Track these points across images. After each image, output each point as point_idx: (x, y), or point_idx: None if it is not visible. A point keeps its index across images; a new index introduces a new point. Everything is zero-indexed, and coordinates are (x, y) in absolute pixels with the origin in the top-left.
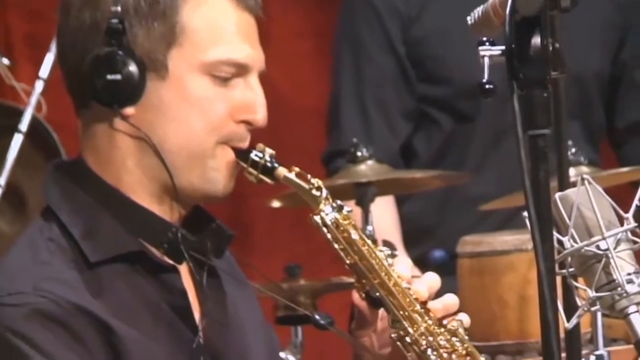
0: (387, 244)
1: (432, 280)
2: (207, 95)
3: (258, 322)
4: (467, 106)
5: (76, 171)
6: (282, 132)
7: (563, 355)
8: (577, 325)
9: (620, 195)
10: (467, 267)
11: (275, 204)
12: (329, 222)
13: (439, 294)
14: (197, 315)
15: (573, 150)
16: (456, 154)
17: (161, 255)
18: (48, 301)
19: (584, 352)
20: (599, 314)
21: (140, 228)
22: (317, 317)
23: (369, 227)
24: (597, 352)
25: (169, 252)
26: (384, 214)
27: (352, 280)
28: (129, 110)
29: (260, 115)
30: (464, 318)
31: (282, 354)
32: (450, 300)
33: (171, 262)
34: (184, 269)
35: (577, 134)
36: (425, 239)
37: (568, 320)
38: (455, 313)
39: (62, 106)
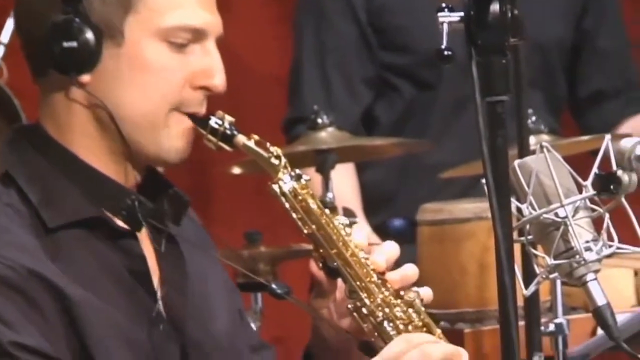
0: (347, 211)
1: (390, 250)
2: (163, 61)
3: (222, 288)
4: (429, 74)
5: (35, 137)
6: (243, 99)
7: (522, 323)
8: (536, 294)
9: (579, 164)
10: (427, 235)
11: (236, 170)
12: (287, 191)
13: (398, 263)
14: (156, 281)
15: (533, 118)
16: (417, 122)
17: (120, 222)
18: (4, 267)
19: (543, 320)
20: (558, 283)
21: (99, 194)
22: (274, 286)
23: (329, 194)
24: (556, 321)
25: (127, 219)
26: (344, 182)
27: (312, 247)
28: (86, 78)
29: (218, 80)
30: (426, 293)
31: None
32: (409, 271)
33: (130, 228)
34: (143, 235)
35: (538, 102)
36: (385, 207)
37: (526, 288)
38: (415, 284)
39: (24, 71)
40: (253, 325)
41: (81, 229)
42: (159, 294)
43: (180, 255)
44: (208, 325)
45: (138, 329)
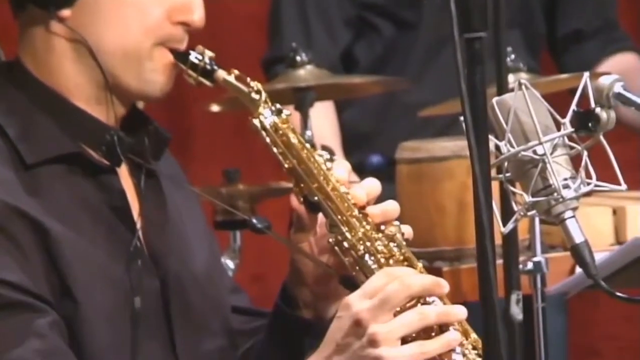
0: (326, 149)
1: (371, 185)
2: None
3: (200, 226)
4: (409, 14)
5: (14, 72)
6: (223, 38)
7: (500, 261)
8: (515, 232)
9: (558, 102)
10: (405, 173)
11: (215, 108)
12: (267, 126)
13: (378, 201)
14: (136, 216)
15: (512, 56)
16: (397, 61)
17: (99, 157)
18: None
19: (521, 258)
20: (536, 221)
21: (78, 130)
22: (254, 221)
23: (308, 132)
24: (534, 259)
25: (106, 154)
26: (323, 120)
27: (291, 185)
28: (65, 12)
29: (196, 15)
30: (406, 230)
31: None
32: (390, 206)
33: (109, 163)
34: (123, 171)
35: (517, 41)
36: (364, 146)
37: (504, 226)
38: (395, 220)
39: (2, 7)
40: (232, 264)
41: (60, 164)
42: (139, 227)
43: (160, 191)
44: (187, 262)
45: (117, 264)
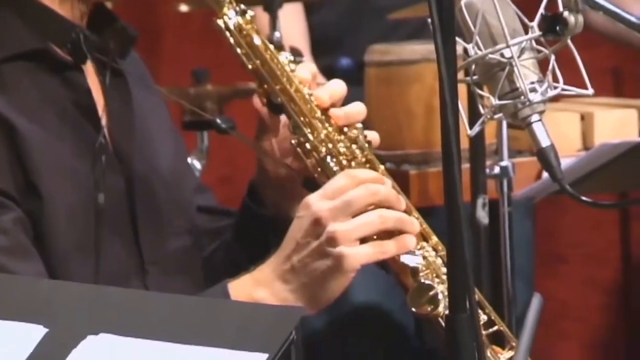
0: (294, 51)
1: (335, 87)
2: None
3: (166, 125)
4: None
5: None
6: None
7: (467, 166)
8: (482, 136)
9: (526, 6)
10: (374, 77)
11: (183, 8)
12: (231, 26)
13: (346, 104)
14: (101, 114)
15: None
16: None
17: (65, 55)
18: None
19: (488, 163)
20: (504, 125)
21: (44, 27)
22: (218, 121)
23: (277, 34)
24: (501, 163)
25: (72, 52)
26: (292, 22)
27: (256, 84)
28: None
29: None
30: (372, 136)
31: (187, 159)
32: (354, 109)
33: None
34: (89, 69)
35: None
36: (333, 49)
37: (471, 129)
38: (364, 124)
39: None
40: (199, 164)
41: (26, 61)
42: (103, 123)
43: (126, 90)
44: (154, 161)
45: (82, 161)
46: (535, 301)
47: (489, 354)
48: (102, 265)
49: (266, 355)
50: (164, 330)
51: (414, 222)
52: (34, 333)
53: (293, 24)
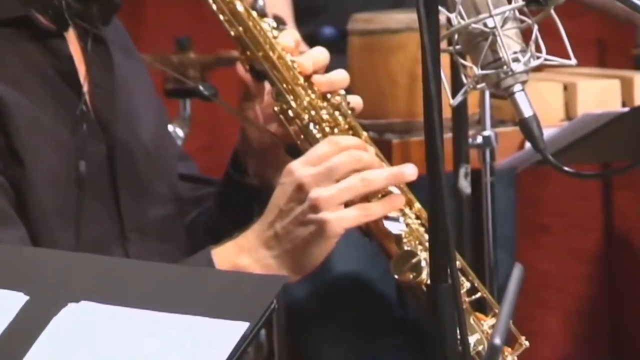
0: (277, 19)
1: (318, 54)
2: None
3: (148, 93)
4: None
5: None
6: None
7: (450, 135)
8: (464, 106)
9: None
10: (357, 45)
11: None
12: None
13: (328, 71)
14: (83, 82)
15: None
16: None
17: (47, 22)
18: None
19: (471, 132)
20: (487, 95)
21: None
22: (201, 88)
23: (260, 2)
24: (484, 133)
25: (54, 19)
26: None
27: (239, 51)
28: None
29: None
30: (356, 101)
31: (170, 127)
32: (336, 76)
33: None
34: (71, 37)
35: None
36: (316, 16)
37: (453, 98)
38: (346, 91)
39: None
40: (181, 132)
41: (8, 28)
42: (85, 93)
43: (108, 57)
44: (135, 129)
45: (63, 128)
46: (516, 271)
47: (471, 321)
48: (83, 231)
49: (247, 324)
50: (146, 298)
51: (405, 174)
52: (15, 300)
53: None
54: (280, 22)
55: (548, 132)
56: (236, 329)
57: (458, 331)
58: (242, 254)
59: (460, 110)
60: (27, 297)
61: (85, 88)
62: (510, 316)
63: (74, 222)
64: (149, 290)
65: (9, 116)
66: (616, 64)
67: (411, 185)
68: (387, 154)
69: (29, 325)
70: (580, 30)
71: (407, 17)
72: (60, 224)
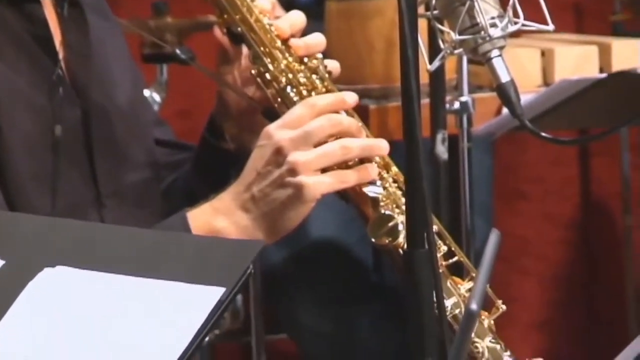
0: None
1: (295, 18)
2: None
3: (124, 58)
4: None
5: None
6: None
7: (427, 101)
8: (442, 72)
9: None
10: (334, 11)
11: None
12: None
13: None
14: (59, 46)
15: None
16: None
17: None
18: None
19: (448, 98)
20: (464, 60)
21: None
22: (178, 52)
23: None
24: (461, 99)
25: None
26: None
27: (216, 14)
28: None
29: None
30: (333, 65)
31: (146, 92)
32: (314, 39)
33: None
34: (46, 2)
35: None
36: None
37: (431, 64)
38: (324, 55)
39: None
40: (158, 97)
41: None
42: (60, 57)
43: (84, 21)
44: (111, 93)
45: (39, 93)
46: (493, 237)
47: (448, 285)
48: (58, 197)
49: (223, 289)
50: (122, 263)
51: (380, 146)
52: None
53: None
54: None
55: (525, 98)
56: (212, 294)
57: (435, 295)
58: (218, 215)
59: (437, 76)
60: (2, 262)
61: (60, 53)
62: (487, 281)
63: (50, 187)
64: (125, 255)
65: None
66: (593, 29)
67: (389, 151)
68: (365, 119)
69: (4, 289)
70: None
71: None
72: (36, 189)
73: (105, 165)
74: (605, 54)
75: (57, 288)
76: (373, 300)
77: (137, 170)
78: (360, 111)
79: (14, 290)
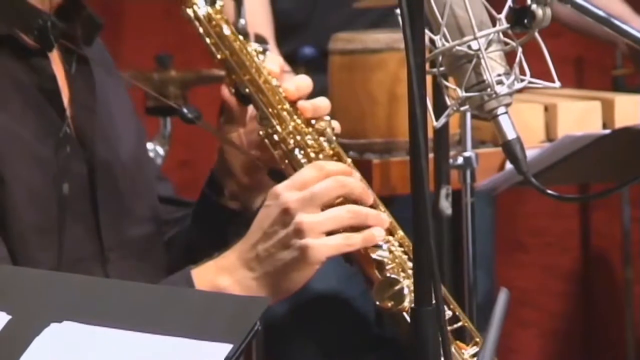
0: (258, 38)
1: (303, 81)
2: None
3: (128, 112)
4: None
5: None
6: None
7: (431, 155)
8: (446, 127)
9: None
10: (338, 64)
11: None
12: (201, 16)
13: (310, 95)
14: (66, 101)
15: None
16: None
17: (31, 41)
18: None
19: (451, 153)
20: (468, 116)
21: (11, 14)
22: (184, 110)
23: (242, 21)
24: (465, 154)
25: (38, 38)
26: (257, 8)
27: (223, 72)
28: None
29: None
30: (335, 124)
31: (150, 145)
32: (321, 102)
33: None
34: (54, 57)
35: None
36: (297, 36)
37: (437, 120)
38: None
39: None
40: (161, 150)
41: None
42: (68, 113)
43: (90, 77)
44: (116, 148)
45: (45, 147)
46: (502, 296)
47: (453, 350)
48: (63, 250)
49: (231, 346)
50: (128, 318)
51: (384, 219)
52: None
53: (258, 10)
54: (261, 42)
55: (529, 153)
56: (219, 351)
57: (442, 354)
58: (222, 274)
59: (441, 131)
60: (9, 317)
61: (68, 110)
62: (497, 341)
63: (54, 241)
64: (131, 311)
65: None
66: (594, 82)
67: (389, 205)
68: (367, 173)
69: (11, 345)
70: (559, 48)
71: (387, 37)
72: (40, 243)
73: (110, 220)
74: (608, 109)
75: (64, 343)
76: (374, 352)
77: (141, 224)
78: (363, 165)
79: (21, 346)
